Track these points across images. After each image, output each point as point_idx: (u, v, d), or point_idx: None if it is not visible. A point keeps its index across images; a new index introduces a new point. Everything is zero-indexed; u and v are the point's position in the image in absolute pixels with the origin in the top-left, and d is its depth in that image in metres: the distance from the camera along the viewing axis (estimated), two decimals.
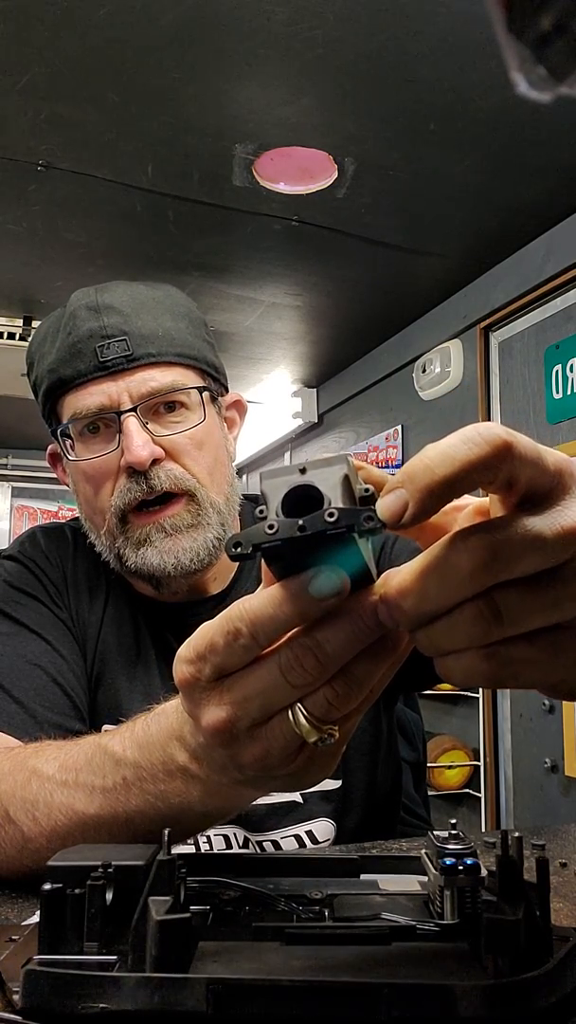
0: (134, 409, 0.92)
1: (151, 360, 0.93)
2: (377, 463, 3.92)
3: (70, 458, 0.96)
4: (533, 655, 0.41)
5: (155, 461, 0.92)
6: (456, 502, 0.48)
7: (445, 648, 0.41)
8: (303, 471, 0.41)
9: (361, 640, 0.43)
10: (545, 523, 0.39)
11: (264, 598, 0.43)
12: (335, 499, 0.40)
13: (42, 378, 0.97)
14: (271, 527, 0.39)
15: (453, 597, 0.40)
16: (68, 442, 0.96)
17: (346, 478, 0.40)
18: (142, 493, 0.92)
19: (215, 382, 1.02)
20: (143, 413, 0.92)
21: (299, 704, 0.45)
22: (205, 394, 0.97)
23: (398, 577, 0.41)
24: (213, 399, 1.00)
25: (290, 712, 0.45)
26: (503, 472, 0.39)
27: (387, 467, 3.81)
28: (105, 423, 0.94)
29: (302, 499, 0.40)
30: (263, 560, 0.43)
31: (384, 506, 0.39)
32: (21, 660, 0.92)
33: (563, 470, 0.41)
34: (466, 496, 0.45)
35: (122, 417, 0.92)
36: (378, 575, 0.44)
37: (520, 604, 0.39)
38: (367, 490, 0.41)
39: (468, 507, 0.49)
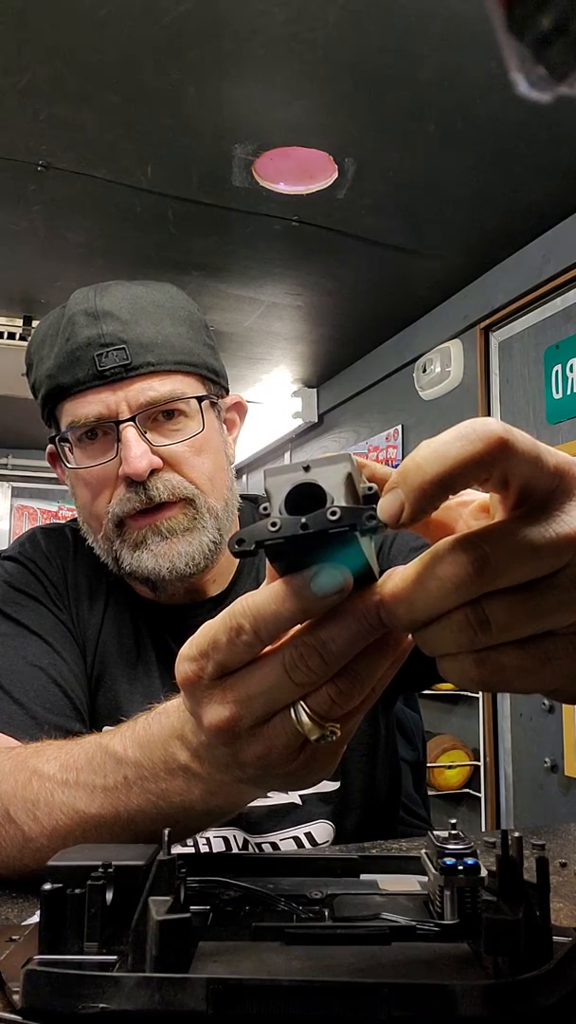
0: (132, 419, 0.91)
1: (150, 369, 0.93)
2: (376, 462, 3.91)
3: (69, 465, 0.96)
4: (524, 662, 0.40)
5: (154, 471, 0.91)
6: (461, 497, 0.48)
7: (438, 651, 0.42)
8: (307, 469, 0.41)
9: (364, 638, 0.43)
10: (539, 531, 0.38)
11: (267, 594, 0.43)
12: (338, 498, 0.40)
13: (40, 382, 0.97)
14: (274, 525, 0.39)
15: (441, 606, 0.40)
16: (67, 447, 0.96)
17: (349, 476, 0.40)
18: (140, 503, 0.91)
19: (215, 386, 1.01)
20: (142, 422, 0.92)
21: (301, 702, 0.45)
22: (204, 402, 0.97)
23: (391, 583, 0.42)
24: (213, 404, 1.00)
25: (292, 710, 0.45)
26: (498, 470, 0.38)
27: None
28: (104, 430, 0.93)
29: (305, 497, 0.40)
30: (266, 557, 0.44)
31: (382, 507, 0.39)
32: (22, 661, 0.92)
33: (565, 471, 0.40)
34: (471, 491, 0.45)
35: (120, 427, 0.91)
36: (380, 573, 0.44)
37: (509, 612, 0.39)
38: (370, 488, 0.41)
39: (473, 503, 0.49)
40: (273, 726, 0.46)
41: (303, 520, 0.39)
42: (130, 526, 0.93)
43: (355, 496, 0.41)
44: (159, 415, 0.94)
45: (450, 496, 0.39)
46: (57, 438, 0.97)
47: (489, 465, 0.38)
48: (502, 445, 0.37)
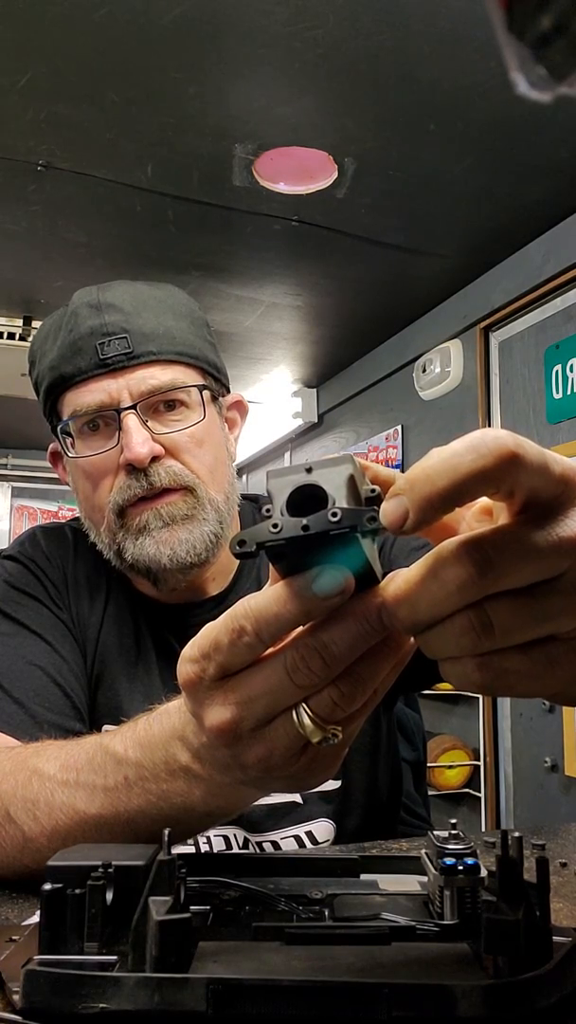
0: (134, 406, 0.92)
1: (152, 358, 0.93)
2: (377, 463, 3.91)
3: (70, 455, 0.97)
4: (527, 667, 0.40)
5: (155, 458, 0.92)
6: None
7: (441, 654, 0.41)
8: (309, 471, 0.41)
9: (366, 641, 0.43)
10: (542, 535, 0.38)
11: (268, 596, 0.43)
12: (339, 499, 0.40)
13: (43, 375, 0.98)
14: (275, 526, 0.39)
15: (444, 609, 0.39)
16: (68, 439, 0.97)
17: (351, 478, 0.40)
18: (142, 490, 0.91)
19: (216, 382, 1.02)
20: (143, 411, 0.93)
21: (303, 704, 0.45)
22: (205, 393, 0.97)
23: (393, 584, 0.42)
24: (214, 398, 1.00)
25: (294, 712, 0.45)
26: (507, 483, 0.38)
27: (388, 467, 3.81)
28: (105, 420, 0.94)
29: (307, 498, 0.40)
30: (268, 559, 0.44)
31: (385, 512, 0.39)
32: (21, 660, 0.92)
33: (570, 479, 0.40)
34: None
35: (122, 414, 0.92)
36: (382, 574, 0.44)
37: (512, 616, 0.39)
38: (373, 490, 0.41)
39: (476, 506, 0.49)
40: (275, 728, 0.46)
41: (304, 521, 0.39)
42: (131, 513, 0.93)
43: (357, 498, 0.41)
44: (160, 405, 0.94)
45: (455, 508, 0.39)
46: (59, 429, 0.97)
47: (499, 480, 0.38)
48: (513, 460, 0.37)
